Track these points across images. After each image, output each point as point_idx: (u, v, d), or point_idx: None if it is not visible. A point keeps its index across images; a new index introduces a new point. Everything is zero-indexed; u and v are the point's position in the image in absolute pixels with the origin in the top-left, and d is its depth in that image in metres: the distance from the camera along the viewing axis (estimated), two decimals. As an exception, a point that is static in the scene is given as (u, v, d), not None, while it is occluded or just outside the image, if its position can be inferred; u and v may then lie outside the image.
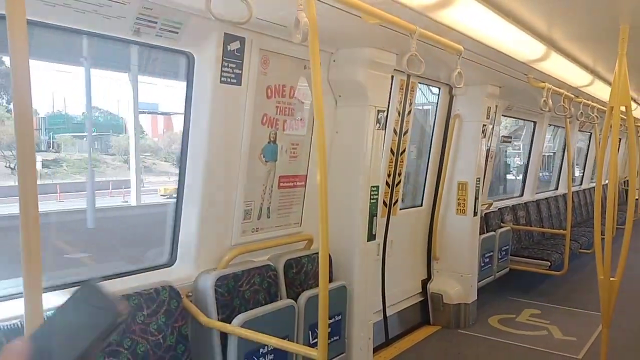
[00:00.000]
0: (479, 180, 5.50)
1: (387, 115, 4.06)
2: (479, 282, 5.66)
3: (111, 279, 2.83)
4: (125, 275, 2.89)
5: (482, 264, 5.83)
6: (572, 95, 5.94)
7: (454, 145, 5.42)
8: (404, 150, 4.92)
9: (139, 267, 3.02)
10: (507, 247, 6.42)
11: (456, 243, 5.50)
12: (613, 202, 3.79)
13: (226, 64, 2.84)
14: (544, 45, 4.28)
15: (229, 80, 2.88)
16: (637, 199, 10.58)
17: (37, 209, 1.33)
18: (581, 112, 6.52)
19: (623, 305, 5.39)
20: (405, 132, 4.87)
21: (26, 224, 1.31)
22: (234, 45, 2.84)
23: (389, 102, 4.31)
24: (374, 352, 4.11)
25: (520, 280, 6.59)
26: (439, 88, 5.33)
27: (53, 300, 2.39)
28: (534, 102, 5.75)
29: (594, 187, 10.78)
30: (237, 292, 3.04)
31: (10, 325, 2.15)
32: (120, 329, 1.11)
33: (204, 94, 2.85)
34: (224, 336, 2.89)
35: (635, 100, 8.29)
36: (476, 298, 5.57)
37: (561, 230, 7.54)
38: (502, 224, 6.71)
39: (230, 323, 2.84)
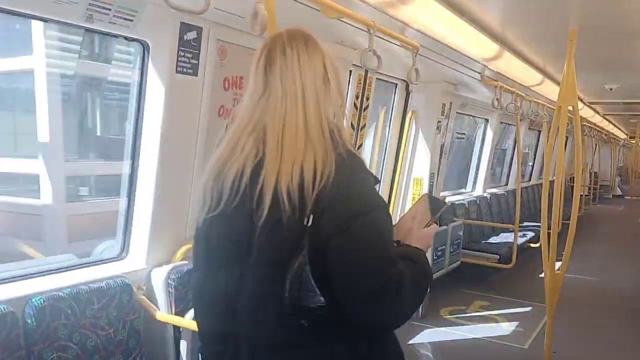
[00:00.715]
0: (434, 176, 5.61)
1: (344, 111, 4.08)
2: (431, 275, 5.76)
3: (59, 272, 2.74)
4: (75, 269, 2.81)
5: (435, 257, 5.96)
6: (523, 94, 6.15)
7: (409, 142, 5.51)
8: (360, 145, 4.96)
9: (89, 260, 2.95)
10: (459, 241, 6.57)
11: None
12: (560, 197, 3.95)
13: (182, 54, 2.78)
14: (497, 45, 4.40)
15: (185, 70, 2.83)
16: (581, 195, 11.07)
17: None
18: (531, 111, 6.75)
19: (567, 297, 5.64)
20: (362, 128, 4.91)
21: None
22: (191, 35, 2.79)
23: (346, 97, 4.34)
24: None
25: (471, 273, 6.78)
26: (396, 84, 5.40)
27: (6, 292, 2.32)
28: (486, 100, 5.93)
29: (542, 183, 11.19)
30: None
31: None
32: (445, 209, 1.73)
33: (158, 84, 2.79)
34: (177, 330, 2.86)
35: (582, 100, 8.65)
36: (428, 290, 5.68)
37: (510, 225, 7.80)
38: (454, 218, 6.87)
39: (184, 317, 2.81)
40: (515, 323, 5.51)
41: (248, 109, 1.56)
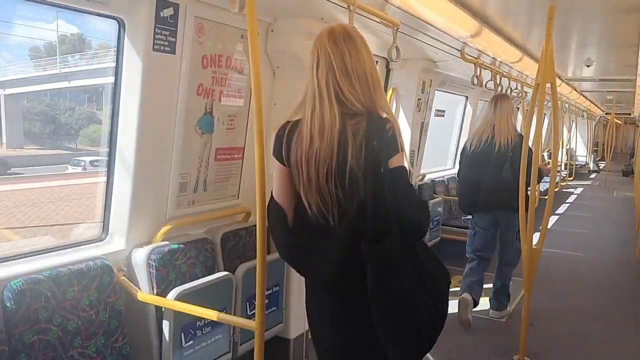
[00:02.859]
0: (414, 153, 5.64)
1: (325, 88, 4.06)
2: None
3: (37, 254, 2.71)
4: (54, 251, 2.78)
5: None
6: (502, 72, 6.18)
7: (390, 119, 5.51)
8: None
9: (68, 242, 2.91)
10: (439, 217, 6.66)
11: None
12: (537, 173, 4.01)
13: (159, 31, 2.72)
14: (477, 22, 4.39)
15: (162, 48, 2.77)
16: (558, 171, 11.24)
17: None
18: (510, 88, 6.80)
19: (545, 271, 5.76)
20: (343, 105, 4.89)
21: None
22: (167, 12, 2.73)
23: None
24: (311, 321, 4.18)
25: (451, 249, 6.87)
26: (377, 62, 5.38)
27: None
28: (466, 78, 5.94)
29: (520, 160, 11.32)
30: (172, 266, 3.00)
31: None
32: None
33: (135, 62, 2.73)
34: (159, 310, 2.86)
35: (559, 77, 8.72)
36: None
37: (489, 201, 7.89)
38: (434, 195, 6.95)
39: (165, 297, 2.81)
40: (485, 297, 5.61)
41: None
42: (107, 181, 2.95)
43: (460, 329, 4.76)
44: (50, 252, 2.75)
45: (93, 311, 2.59)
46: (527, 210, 3.90)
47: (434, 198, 6.73)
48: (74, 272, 2.54)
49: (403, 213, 1.88)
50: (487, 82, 5.92)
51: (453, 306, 5.25)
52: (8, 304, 2.28)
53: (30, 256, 2.65)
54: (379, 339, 1.98)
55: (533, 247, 3.96)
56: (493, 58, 5.76)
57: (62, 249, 2.82)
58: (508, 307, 5.24)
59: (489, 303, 5.28)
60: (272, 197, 2.11)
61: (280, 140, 2.08)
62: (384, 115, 1.99)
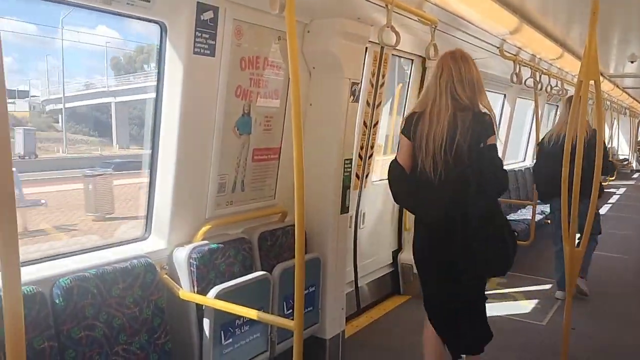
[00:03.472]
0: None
1: (360, 88, 4.05)
2: (448, 252, 5.77)
3: (84, 253, 2.79)
4: (99, 250, 2.86)
5: (452, 235, 5.95)
6: (542, 69, 6.04)
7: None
8: (376, 123, 4.93)
9: (113, 240, 2.99)
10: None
11: (427, 214, 5.58)
12: (580, 172, 3.89)
13: (199, 35, 2.77)
14: (516, 18, 4.31)
15: (202, 51, 2.82)
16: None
17: (12, 182, 1.30)
18: (550, 85, 6.64)
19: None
20: (378, 105, 4.87)
21: (1, 195, 1.28)
22: (207, 15, 2.78)
23: (362, 75, 4.29)
24: (346, 321, 4.19)
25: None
26: (412, 60, 5.34)
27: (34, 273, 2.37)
28: (504, 75, 5.83)
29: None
30: (212, 264, 3.05)
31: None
32: None
33: (176, 66, 2.79)
34: (199, 308, 2.91)
35: (601, 74, 8.45)
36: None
37: (527, 201, 7.74)
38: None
39: (206, 295, 2.85)
40: (533, 300, 5.51)
41: None
42: (150, 182, 3.02)
43: (505, 332, 4.69)
44: (95, 250, 2.84)
45: (137, 308, 2.66)
46: (569, 209, 3.80)
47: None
48: (118, 270, 2.61)
49: (492, 172, 2.90)
50: (526, 80, 5.80)
51: (496, 310, 5.19)
52: (57, 301, 2.36)
53: (77, 254, 2.74)
54: (463, 258, 2.97)
55: (575, 248, 3.85)
56: (532, 55, 5.64)
57: (107, 247, 2.90)
58: (549, 312, 5.12)
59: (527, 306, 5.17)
60: (395, 160, 3.08)
61: (409, 123, 3.03)
62: (484, 109, 2.99)
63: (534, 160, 6.33)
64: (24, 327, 1.37)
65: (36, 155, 18.79)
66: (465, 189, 2.86)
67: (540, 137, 5.75)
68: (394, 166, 3.07)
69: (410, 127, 3.00)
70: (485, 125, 2.91)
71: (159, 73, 2.84)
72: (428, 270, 3.21)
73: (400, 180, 3.06)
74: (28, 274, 2.38)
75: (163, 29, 2.76)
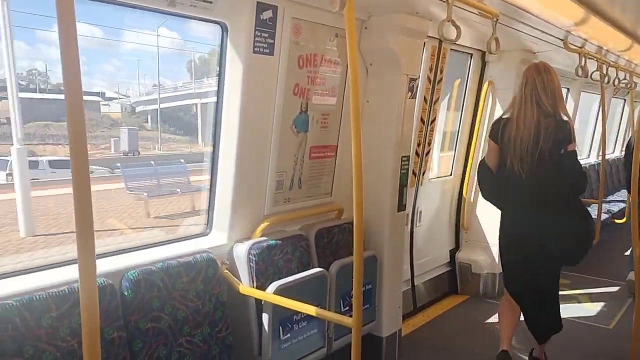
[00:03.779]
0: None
1: (418, 84, 4.00)
2: (508, 251, 5.62)
3: (150, 247, 2.90)
4: (164, 244, 2.96)
5: (512, 234, 5.78)
6: (609, 61, 5.76)
7: (485, 113, 5.33)
8: (434, 119, 4.86)
9: (176, 236, 3.09)
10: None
11: (486, 213, 5.45)
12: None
13: (259, 34, 2.82)
14: (582, 9, 4.12)
15: (261, 50, 2.86)
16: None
17: (88, 175, 1.36)
18: (617, 78, 6.32)
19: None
20: (436, 101, 4.79)
21: (78, 190, 1.35)
22: (267, 14, 2.82)
23: (420, 70, 4.23)
24: (402, 320, 4.16)
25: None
26: (471, 54, 5.21)
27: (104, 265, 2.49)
28: (567, 68, 5.61)
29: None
30: (271, 260, 3.09)
31: (59, 291, 2.23)
32: None
33: (237, 64, 2.84)
34: (258, 303, 2.96)
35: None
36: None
37: (593, 200, 7.41)
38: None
39: (264, 291, 2.90)
40: (599, 303, 5.28)
41: None
42: (211, 179, 3.10)
43: (569, 335, 4.52)
44: (161, 244, 2.94)
45: (199, 302, 2.73)
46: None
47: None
48: (182, 265, 2.70)
49: (572, 177, 3.30)
50: (592, 73, 5.54)
51: (562, 312, 5.02)
52: (126, 293, 2.46)
53: (144, 248, 2.85)
54: (544, 242, 3.37)
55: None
56: (599, 47, 5.38)
57: (171, 242, 3.00)
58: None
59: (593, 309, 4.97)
60: (483, 160, 3.63)
61: (496, 128, 3.46)
62: (565, 117, 3.35)
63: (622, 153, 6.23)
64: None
65: (138, 152, 20.49)
66: (548, 186, 3.28)
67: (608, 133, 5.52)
68: (482, 165, 3.60)
69: (498, 132, 3.43)
70: (566, 133, 3.27)
71: (219, 73, 2.91)
72: (511, 253, 3.59)
73: (487, 178, 3.57)
74: (99, 266, 2.49)
75: (224, 29, 2.82)
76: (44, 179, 13.72)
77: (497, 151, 3.46)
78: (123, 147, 20.76)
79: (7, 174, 12.88)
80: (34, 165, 14.41)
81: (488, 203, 5.41)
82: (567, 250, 3.45)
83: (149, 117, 26.43)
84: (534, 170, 3.29)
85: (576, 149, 3.33)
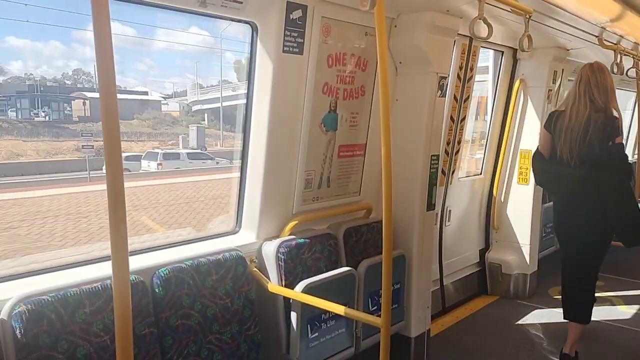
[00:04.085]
0: (542, 148, 5.30)
1: (448, 82, 3.95)
2: (539, 252, 5.53)
3: (180, 245, 2.94)
4: (194, 242, 3.00)
5: (544, 234, 5.68)
6: (646, 57, 5.59)
7: (516, 112, 5.24)
8: (464, 118, 4.80)
9: (206, 234, 3.13)
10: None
11: (516, 213, 5.37)
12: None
13: (288, 33, 2.82)
14: (618, 4, 4.01)
15: (291, 49, 2.87)
16: None
17: (122, 174, 1.39)
18: (655, 75, 6.13)
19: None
20: (466, 99, 4.73)
21: (112, 188, 1.37)
22: (296, 14, 2.82)
23: (450, 68, 4.18)
24: (431, 320, 4.12)
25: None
26: (502, 52, 5.13)
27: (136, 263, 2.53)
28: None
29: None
30: (299, 259, 3.10)
31: (92, 287, 2.28)
32: None
33: (267, 64, 2.86)
34: (287, 301, 2.97)
35: None
36: (536, 269, 5.46)
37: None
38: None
39: (293, 289, 2.91)
40: (633, 305, 5.14)
41: None
42: (240, 177, 3.12)
43: (602, 338, 4.42)
44: (191, 242, 2.98)
45: (229, 299, 2.76)
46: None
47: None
48: (212, 262, 2.72)
49: (618, 165, 3.59)
50: (627, 70, 5.40)
51: (595, 314, 4.92)
52: (157, 290, 2.50)
53: (174, 246, 2.89)
54: (594, 222, 3.68)
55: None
56: (635, 43, 5.23)
57: (201, 240, 3.03)
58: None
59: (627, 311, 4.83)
60: (537, 148, 3.97)
61: (550, 120, 3.83)
62: (614, 112, 3.62)
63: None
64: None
65: (205, 148, 21.69)
66: (595, 173, 3.54)
67: None
68: (536, 153, 3.96)
69: (551, 123, 3.80)
70: (614, 127, 3.56)
71: (249, 72, 2.92)
72: (564, 235, 3.94)
73: (540, 165, 3.93)
74: (131, 263, 2.54)
75: (254, 29, 2.84)
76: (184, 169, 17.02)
77: (549, 140, 3.81)
78: (192, 144, 22.06)
79: (157, 164, 16.88)
80: (176, 156, 17.90)
81: (518, 203, 5.36)
82: (617, 230, 3.77)
83: (205, 115, 27.37)
84: (583, 159, 3.59)
85: (622, 142, 3.69)
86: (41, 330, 2.09)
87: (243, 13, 2.70)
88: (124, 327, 1.46)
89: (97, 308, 2.25)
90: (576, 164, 3.61)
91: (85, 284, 2.28)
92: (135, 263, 2.57)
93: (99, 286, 2.29)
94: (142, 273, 2.50)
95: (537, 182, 4.32)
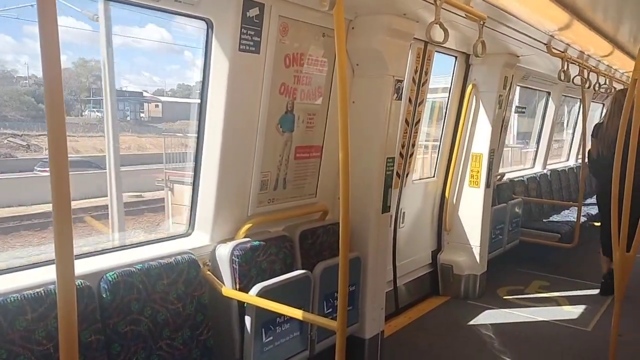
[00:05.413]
0: (494, 152, 5.44)
1: (403, 85, 3.98)
2: (489, 253, 5.67)
3: (129, 248, 2.83)
4: (144, 245, 2.89)
5: (493, 236, 5.83)
6: (590, 66, 5.83)
7: (468, 116, 5.35)
8: (418, 121, 4.85)
9: (157, 236, 3.03)
10: (518, 219, 6.40)
11: (468, 215, 5.48)
12: (632, 173, 3.74)
13: (245, 31, 2.77)
14: (567, 14, 4.15)
15: (247, 48, 2.81)
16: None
17: (68, 174, 1.31)
18: (598, 83, 6.41)
19: (636, 279, 5.39)
20: (421, 103, 4.79)
21: (58, 191, 1.29)
22: (253, 12, 2.77)
23: (405, 72, 4.22)
24: (384, 321, 4.14)
25: (529, 252, 6.60)
26: (455, 57, 5.23)
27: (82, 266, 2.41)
28: (550, 73, 5.66)
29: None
30: (254, 262, 3.05)
31: (35, 293, 2.16)
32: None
33: (222, 62, 2.79)
34: (241, 305, 2.91)
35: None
36: (486, 269, 5.59)
37: (572, 202, 7.52)
38: (513, 195, 6.68)
39: (247, 293, 2.85)
40: (577, 305, 5.34)
41: None
42: (194, 179, 3.03)
43: (548, 337, 4.56)
44: (141, 245, 2.87)
45: (180, 304, 2.68)
46: (620, 214, 3.65)
47: (513, 199, 6.47)
48: (163, 266, 2.64)
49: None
50: (573, 77, 5.61)
51: (539, 314, 5.05)
52: (104, 295, 2.39)
53: (123, 249, 2.78)
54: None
55: (626, 254, 3.70)
56: (581, 52, 5.45)
57: (151, 243, 2.93)
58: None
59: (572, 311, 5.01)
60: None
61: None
62: None
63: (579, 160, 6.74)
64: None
65: None
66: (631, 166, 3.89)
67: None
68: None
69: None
70: None
71: (204, 70, 2.85)
72: (606, 204, 4.37)
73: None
74: (77, 267, 2.42)
75: (209, 26, 2.77)
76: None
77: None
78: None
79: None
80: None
81: (469, 205, 5.49)
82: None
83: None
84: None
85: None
86: (-23, 339, 1.96)
87: (198, 9, 2.62)
88: (69, 334, 1.38)
89: (39, 315, 2.13)
90: (611, 159, 4.15)
91: (26, 290, 2.15)
92: (82, 267, 2.45)
93: (42, 291, 2.17)
94: (89, 277, 2.39)
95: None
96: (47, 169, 1.26)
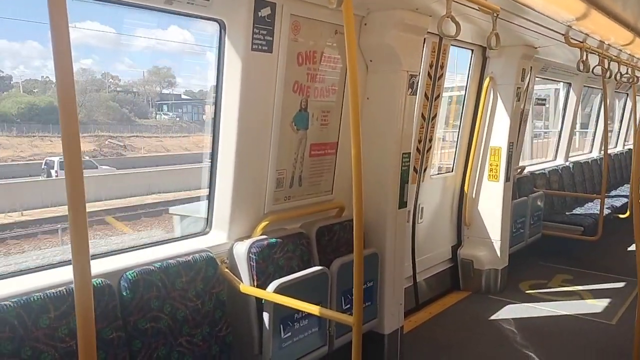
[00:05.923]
0: (513, 145, 5.38)
1: (418, 80, 3.97)
2: (510, 247, 5.62)
3: (149, 247, 2.89)
4: (163, 244, 2.95)
5: (514, 230, 5.77)
6: (611, 55, 5.72)
7: (486, 109, 5.30)
8: (434, 116, 4.83)
9: (175, 235, 3.08)
10: (540, 212, 6.32)
11: (487, 209, 5.44)
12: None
13: (257, 31, 2.79)
14: (584, 3, 4.08)
15: (260, 47, 2.84)
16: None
17: (82, 175, 1.35)
18: (619, 72, 6.28)
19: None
20: (437, 97, 4.77)
21: (73, 192, 1.33)
22: (265, 12, 2.79)
23: (420, 67, 4.21)
24: (404, 316, 4.14)
25: (552, 245, 6.51)
26: (472, 50, 5.18)
27: (98, 266, 2.47)
28: (569, 63, 5.57)
29: (630, 150, 10.47)
30: (271, 259, 3.08)
31: (57, 292, 2.22)
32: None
33: (235, 62, 2.82)
34: (259, 302, 2.94)
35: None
36: (507, 264, 5.54)
37: (595, 195, 7.39)
38: (534, 189, 6.60)
39: (265, 289, 2.89)
40: (601, 299, 5.26)
41: None
42: (210, 178, 3.07)
43: (571, 332, 4.51)
44: (160, 244, 2.92)
45: (199, 301, 2.72)
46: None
47: (535, 192, 6.39)
48: (182, 264, 2.68)
49: None
50: (593, 68, 5.51)
51: (562, 308, 4.99)
52: (124, 293, 2.45)
53: (143, 248, 2.84)
54: None
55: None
56: (600, 41, 5.34)
57: (170, 241, 2.98)
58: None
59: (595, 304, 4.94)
60: None
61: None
62: None
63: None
64: (94, 318, 1.41)
65: None
66: None
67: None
68: None
69: None
70: None
71: (218, 70, 2.88)
72: None
73: None
74: (97, 266, 2.48)
75: (222, 27, 2.80)
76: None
77: None
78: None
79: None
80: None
81: (488, 199, 5.43)
82: None
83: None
84: None
85: None
86: (3, 337, 2.02)
87: (210, 10, 2.66)
88: (87, 330, 1.42)
89: (62, 313, 2.19)
90: None
91: (49, 289, 2.21)
92: (102, 266, 2.51)
93: (64, 290, 2.23)
94: (109, 276, 2.44)
95: None
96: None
